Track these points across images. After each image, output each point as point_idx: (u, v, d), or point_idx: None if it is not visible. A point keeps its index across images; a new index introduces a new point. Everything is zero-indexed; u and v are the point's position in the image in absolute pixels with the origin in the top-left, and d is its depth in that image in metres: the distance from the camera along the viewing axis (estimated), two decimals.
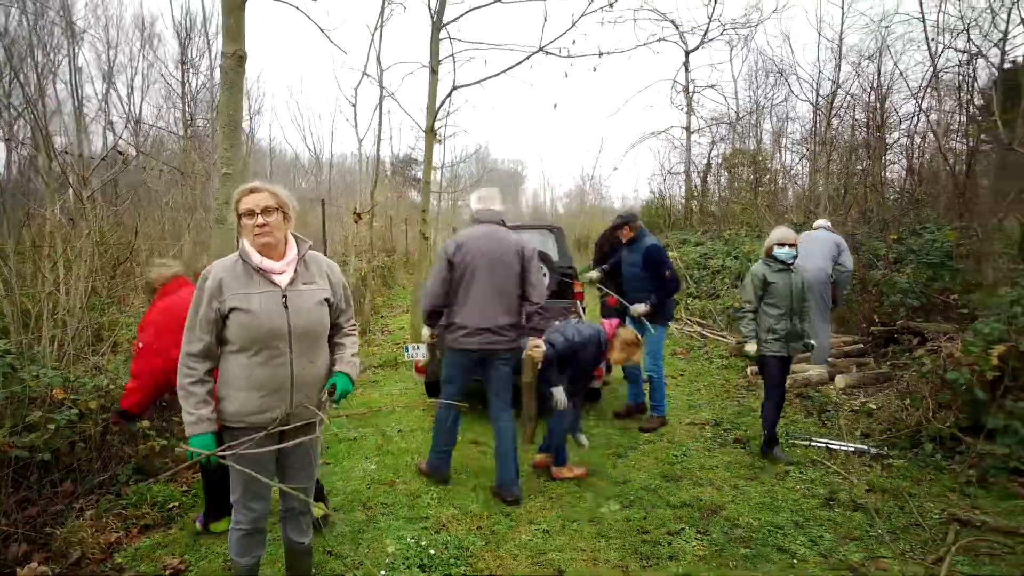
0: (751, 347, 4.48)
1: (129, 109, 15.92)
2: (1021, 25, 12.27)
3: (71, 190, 5.89)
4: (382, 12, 8.20)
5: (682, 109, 17.71)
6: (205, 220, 8.01)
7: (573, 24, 6.85)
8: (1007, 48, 12.39)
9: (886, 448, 4.57)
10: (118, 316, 5.48)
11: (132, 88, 16.11)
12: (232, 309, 2.27)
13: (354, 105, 10.92)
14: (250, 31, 4.21)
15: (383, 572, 2.99)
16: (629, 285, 5.24)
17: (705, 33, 16.80)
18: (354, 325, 2.65)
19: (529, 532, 3.40)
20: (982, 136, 9.84)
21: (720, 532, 3.43)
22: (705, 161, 18.79)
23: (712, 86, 23.63)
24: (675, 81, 17.67)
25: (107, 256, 5.65)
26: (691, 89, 17.49)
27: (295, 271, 2.38)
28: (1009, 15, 12.36)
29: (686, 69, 17.39)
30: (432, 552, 3.16)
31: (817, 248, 6.25)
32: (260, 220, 2.28)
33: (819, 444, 4.72)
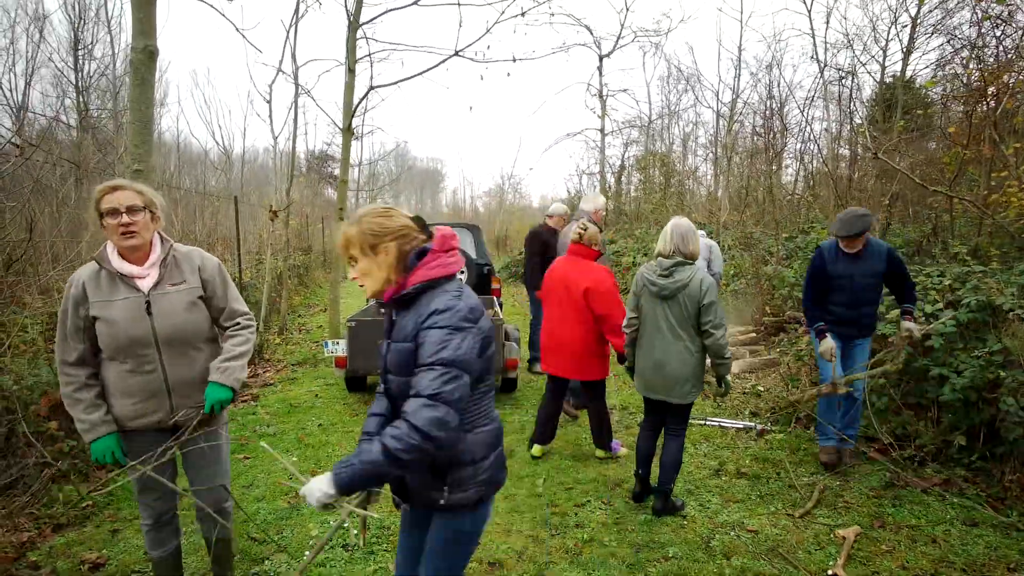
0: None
1: (13, 97, 14.79)
2: (896, 40, 13.52)
3: None
4: (297, 9, 8.13)
5: (596, 112, 18.36)
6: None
7: (487, 31, 7.10)
8: (886, 63, 13.68)
9: (769, 424, 5.10)
10: (15, 317, 5.23)
11: (14, 74, 14.96)
12: (95, 319, 2.20)
13: (269, 101, 10.74)
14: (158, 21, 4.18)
15: (307, 553, 3.12)
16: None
17: (618, 39, 17.49)
18: (238, 324, 2.47)
19: None
20: (861, 144, 10.88)
21: (622, 502, 3.77)
22: (619, 162, 19.59)
23: (625, 90, 24.60)
24: (590, 84, 18.27)
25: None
26: (605, 93, 18.16)
27: (160, 273, 2.28)
28: (888, 32, 13.46)
29: (600, 73, 18.03)
30: (355, 533, 3.31)
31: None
32: (125, 219, 2.16)
33: (713, 423, 5.19)
